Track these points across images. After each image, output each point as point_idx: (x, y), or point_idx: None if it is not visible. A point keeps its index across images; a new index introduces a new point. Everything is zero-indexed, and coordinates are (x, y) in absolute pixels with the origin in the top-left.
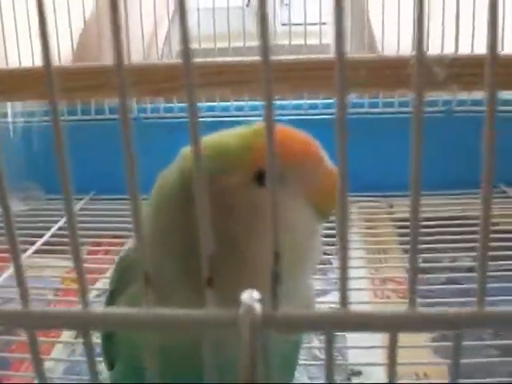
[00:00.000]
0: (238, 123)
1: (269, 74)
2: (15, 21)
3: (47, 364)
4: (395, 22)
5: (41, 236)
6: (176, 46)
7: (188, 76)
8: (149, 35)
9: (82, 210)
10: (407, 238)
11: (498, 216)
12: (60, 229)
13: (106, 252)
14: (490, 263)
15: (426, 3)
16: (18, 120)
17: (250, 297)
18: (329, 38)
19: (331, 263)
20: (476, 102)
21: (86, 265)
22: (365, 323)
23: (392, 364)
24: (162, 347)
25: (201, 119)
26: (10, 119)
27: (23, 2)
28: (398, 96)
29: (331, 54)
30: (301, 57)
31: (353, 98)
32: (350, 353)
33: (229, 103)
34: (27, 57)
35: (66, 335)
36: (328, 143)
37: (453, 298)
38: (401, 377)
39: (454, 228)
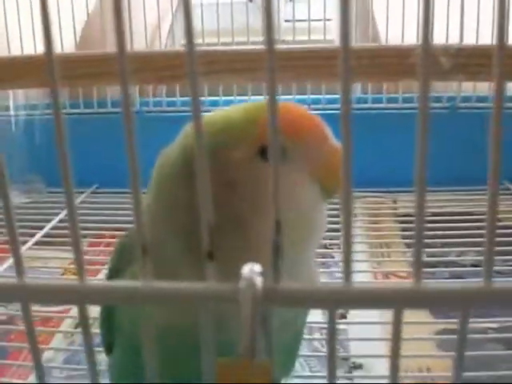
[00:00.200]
0: None
1: (273, 58)
2: (18, 10)
3: (47, 354)
4: (399, 18)
5: (41, 228)
6: (179, 40)
7: (190, 54)
8: (152, 29)
9: (83, 202)
10: (410, 233)
11: (502, 212)
12: (61, 221)
13: (108, 244)
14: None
15: None
16: (20, 113)
17: (251, 270)
18: (333, 34)
19: (333, 257)
20: (481, 99)
21: (87, 257)
22: (369, 299)
23: (396, 344)
24: (162, 326)
25: (204, 114)
26: (12, 112)
27: None
28: (401, 91)
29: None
30: (304, 46)
31: (356, 92)
32: (351, 345)
33: (232, 97)
34: (29, 45)
35: (66, 325)
36: None
37: None
38: (403, 371)
39: (458, 223)
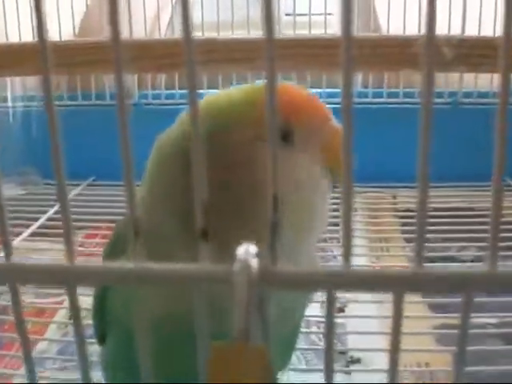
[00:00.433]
0: None
1: (272, 47)
2: None
3: (41, 345)
4: (401, 11)
5: (37, 220)
6: (179, 32)
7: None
8: (151, 20)
9: (79, 195)
10: (409, 228)
11: (504, 208)
12: (56, 213)
13: (104, 236)
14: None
15: None
16: (17, 105)
17: (246, 251)
18: (334, 28)
19: (332, 251)
20: (482, 94)
21: (82, 248)
22: (368, 281)
23: (396, 329)
24: (157, 315)
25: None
26: (9, 104)
27: None
28: (402, 86)
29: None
30: (305, 34)
31: (357, 86)
32: (349, 339)
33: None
34: (28, 33)
35: (60, 315)
36: None
37: None
38: (402, 365)
39: (459, 219)
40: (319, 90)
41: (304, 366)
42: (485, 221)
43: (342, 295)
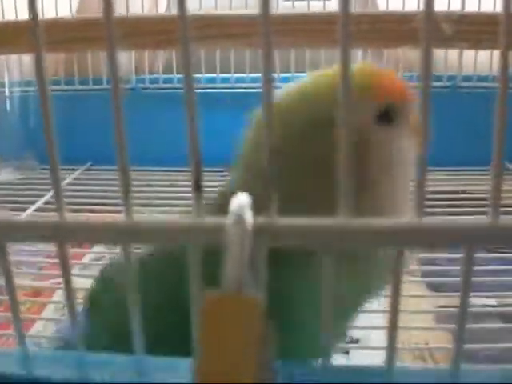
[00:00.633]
0: (239, 95)
1: (268, 23)
2: None
3: (37, 325)
4: None
5: (34, 203)
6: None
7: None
8: (149, 4)
9: (76, 179)
10: None
11: (503, 192)
12: (53, 197)
13: None
14: None
15: None
16: (14, 90)
17: (240, 204)
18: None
19: None
20: (482, 78)
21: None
22: (371, 235)
23: (397, 279)
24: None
25: (200, 90)
26: (6, 89)
27: None
28: (402, 71)
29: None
30: (302, 11)
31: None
32: None
33: (229, 75)
34: (24, 11)
35: (58, 295)
36: None
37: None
38: (401, 343)
39: (456, 201)
40: None
41: None
42: (483, 203)
43: None
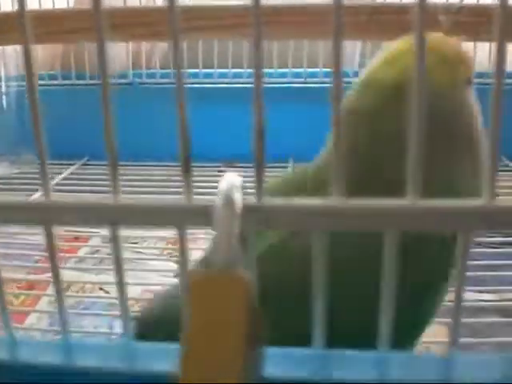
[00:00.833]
0: (223, 90)
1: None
2: None
3: (31, 318)
4: None
5: (29, 197)
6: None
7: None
8: None
9: (73, 174)
10: None
11: (501, 188)
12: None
13: None
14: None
15: None
16: (11, 84)
17: (230, 186)
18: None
19: None
20: (479, 75)
21: (74, 228)
22: (365, 217)
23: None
24: None
25: (198, 85)
26: (3, 83)
27: None
28: None
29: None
30: (294, 2)
31: (354, 65)
32: None
33: (212, 70)
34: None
35: (53, 288)
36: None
37: None
38: None
39: None
40: (316, 70)
41: None
42: None
43: None
